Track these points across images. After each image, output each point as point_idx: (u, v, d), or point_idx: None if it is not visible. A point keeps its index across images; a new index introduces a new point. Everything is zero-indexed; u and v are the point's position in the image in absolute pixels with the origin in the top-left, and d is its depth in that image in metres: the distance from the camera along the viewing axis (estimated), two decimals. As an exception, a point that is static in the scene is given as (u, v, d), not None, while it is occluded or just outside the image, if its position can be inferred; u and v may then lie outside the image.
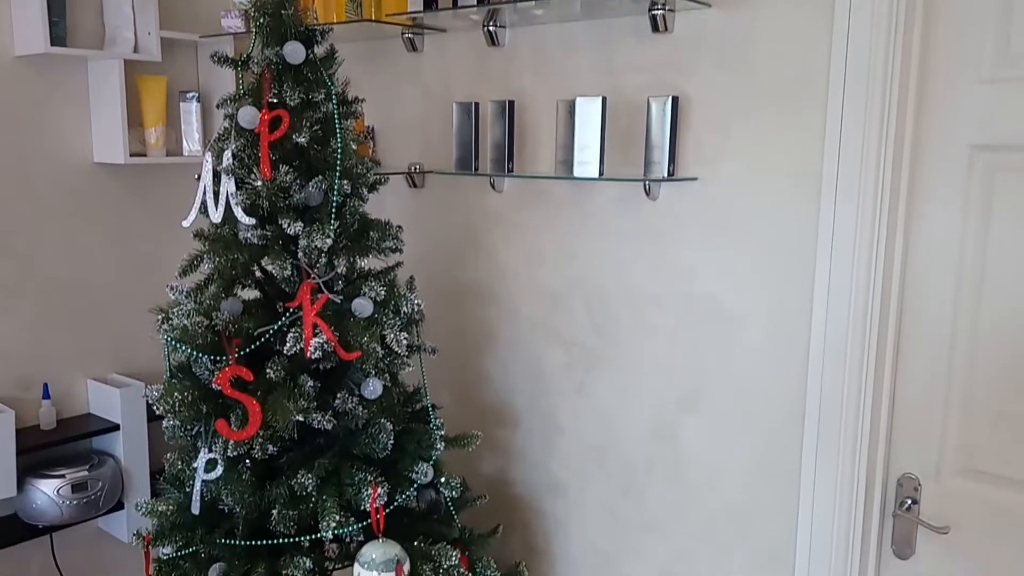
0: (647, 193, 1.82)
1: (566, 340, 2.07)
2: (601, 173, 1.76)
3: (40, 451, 2.21)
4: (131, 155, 2.30)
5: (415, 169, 2.24)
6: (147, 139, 2.38)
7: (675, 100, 1.71)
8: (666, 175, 1.72)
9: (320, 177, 1.61)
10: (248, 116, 1.59)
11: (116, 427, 2.32)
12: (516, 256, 2.13)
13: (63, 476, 2.19)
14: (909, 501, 1.67)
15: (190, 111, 2.46)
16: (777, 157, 1.68)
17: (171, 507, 1.68)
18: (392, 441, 1.67)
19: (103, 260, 2.42)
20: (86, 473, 2.22)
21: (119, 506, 2.33)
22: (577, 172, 1.77)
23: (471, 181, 2.16)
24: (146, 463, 2.37)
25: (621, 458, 2.01)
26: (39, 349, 2.30)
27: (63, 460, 2.26)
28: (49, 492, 2.16)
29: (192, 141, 2.46)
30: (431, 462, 1.74)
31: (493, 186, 2.11)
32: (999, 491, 1.58)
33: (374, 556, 1.52)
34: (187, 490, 1.66)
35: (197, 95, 2.44)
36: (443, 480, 1.77)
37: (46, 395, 2.28)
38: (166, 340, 1.60)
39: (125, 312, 2.46)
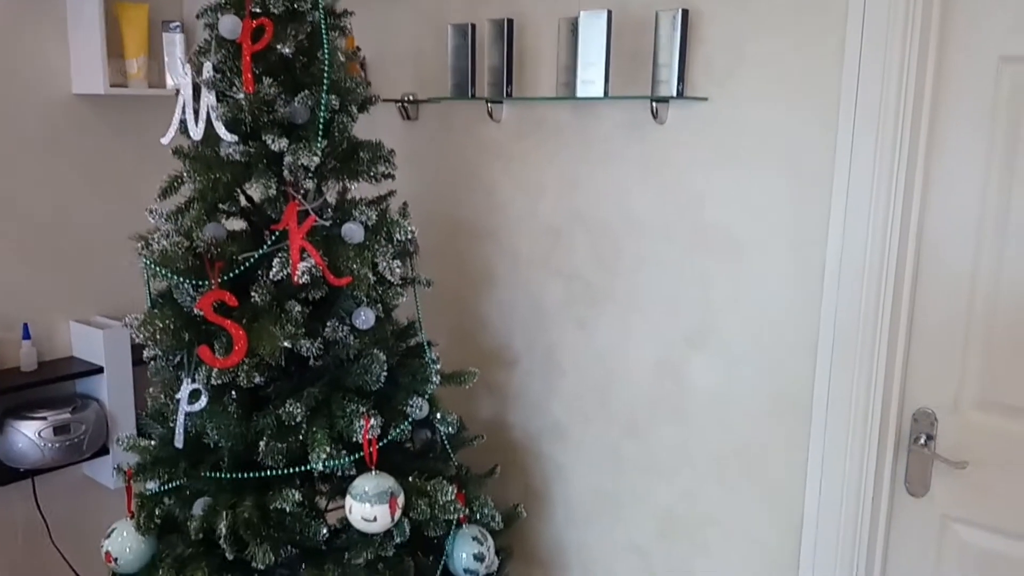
0: (654, 116, 1.72)
1: (567, 276, 1.99)
2: (606, 93, 1.66)
3: (20, 392, 2.13)
4: (111, 86, 2.20)
5: (409, 99, 2.14)
6: (128, 70, 2.28)
7: (685, 13, 1.61)
8: (675, 94, 1.62)
9: (306, 92, 1.51)
10: (229, 25, 1.49)
11: (100, 370, 2.24)
12: (515, 189, 2.04)
13: (45, 418, 2.11)
14: (924, 436, 1.60)
15: (173, 42, 2.34)
16: (794, 74, 1.58)
17: (154, 442, 1.61)
18: (385, 373, 1.59)
19: (85, 197, 2.32)
20: (69, 416, 2.14)
21: (104, 451, 2.26)
22: (581, 92, 1.67)
23: (467, 112, 2.06)
24: (131, 407, 2.29)
25: (624, 398, 1.94)
26: (19, 288, 2.21)
27: (45, 403, 2.18)
28: (30, 434, 2.09)
29: (175, 73, 2.34)
30: (426, 397, 1.66)
31: (491, 115, 2.01)
32: (1021, 424, 1.51)
33: (367, 488, 1.45)
34: (171, 425, 1.59)
35: (180, 25, 2.33)
36: (439, 416, 1.70)
37: (26, 335, 2.19)
38: (146, 265, 1.51)
39: (108, 252, 2.37)
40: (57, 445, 2.12)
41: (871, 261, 1.56)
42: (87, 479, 2.39)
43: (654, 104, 1.68)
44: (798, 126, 1.59)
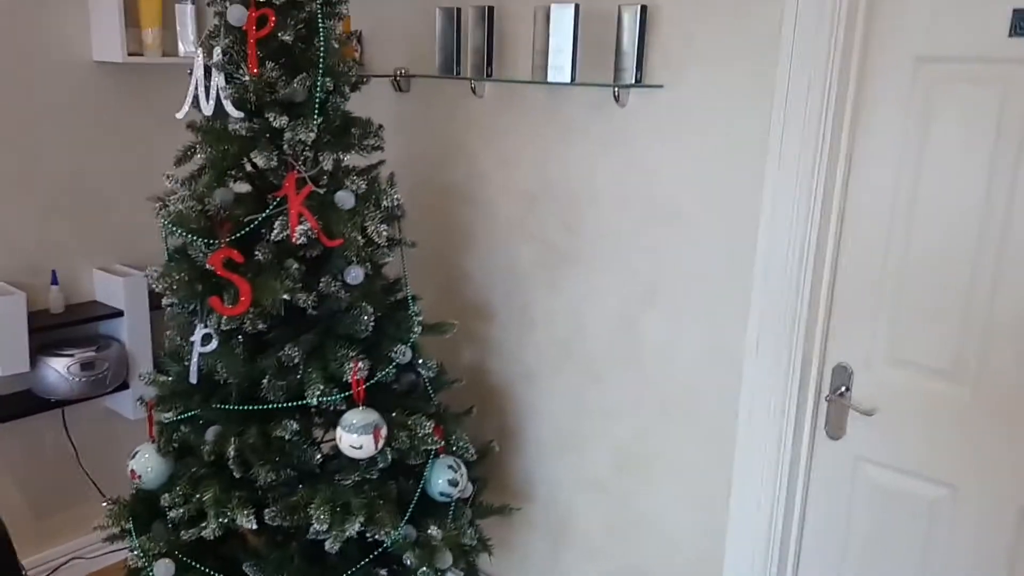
0: (616, 100, 1.92)
1: (539, 240, 2.21)
2: (573, 78, 1.86)
3: (50, 332, 2.38)
4: (129, 54, 2.39)
5: (400, 73, 2.33)
6: (144, 39, 2.47)
7: (643, 9, 1.80)
8: (634, 81, 1.82)
9: (304, 74, 1.72)
10: (236, 14, 1.68)
11: (120, 313, 2.48)
12: (495, 159, 2.24)
13: (72, 355, 2.36)
14: (843, 388, 1.84)
15: (185, 13, 2.52)
16: (735, 66, 1.77)
17: (171, 377, 1.85)
18: (373, 323, 1.82)
19: (104, 157, 2.53)
20: (94, 353, 2.39)
21: (124, 386, 2.51)
22: (551, 77, 1.87)
23: (454, 86, 2.26)
24: (149, 348, 2.55)
25: (587, 349, 2.18)
26: (47, 238, 2.44)
27: (72, 342, 2.43)
28: (60, 369, 2.34)
29: (187, 43, 2.53)
30: (409, 344, 1.90)
31: (474, 91, 2.20)
32: (921, 378, 1.74)
33: (354, 421, 1.69)
34: (185, 363, 1.83)
35: (191, -3, 2.51)
36: (421, 361, 1.94)
37: (54, 281, 2.43)
38: (164, 224, 1.73)
39: (127, 206, 2.59)
40: (83, 379, 2.38)
41: (796, 236, 1.77)
42: (109, 411, 2.66)
43: (616, 90, 1.88)
44: (737, 111, 1.79)
